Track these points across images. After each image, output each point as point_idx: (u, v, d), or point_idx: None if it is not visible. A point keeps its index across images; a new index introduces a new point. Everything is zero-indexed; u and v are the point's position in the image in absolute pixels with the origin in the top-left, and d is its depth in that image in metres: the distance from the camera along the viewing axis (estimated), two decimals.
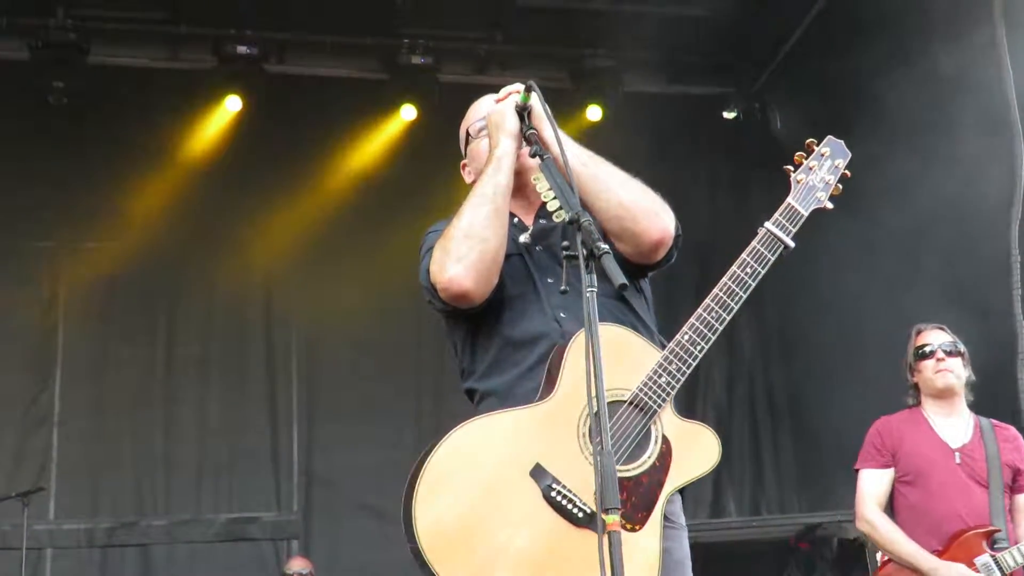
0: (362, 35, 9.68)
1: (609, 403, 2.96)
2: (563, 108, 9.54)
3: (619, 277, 2.69)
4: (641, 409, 2.99)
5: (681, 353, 3.04)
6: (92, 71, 9.20)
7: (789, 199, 3.28)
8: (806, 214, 3.26)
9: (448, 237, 3.13)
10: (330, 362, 9.57)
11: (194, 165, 9.60)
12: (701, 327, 3.09)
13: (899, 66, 7.85)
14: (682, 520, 3.20)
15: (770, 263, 3.19)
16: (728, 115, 10.47)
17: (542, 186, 3.05)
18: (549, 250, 3.31)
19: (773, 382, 10.47)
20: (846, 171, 3.37)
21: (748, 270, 3.17)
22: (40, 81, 9.08)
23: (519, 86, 3.22)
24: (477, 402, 3.27)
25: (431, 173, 9.04)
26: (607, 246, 2.72)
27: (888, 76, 8.01)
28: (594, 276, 2.69)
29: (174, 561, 9.16)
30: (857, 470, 5.46)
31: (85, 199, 9.46)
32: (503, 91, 3.29)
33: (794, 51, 9.77)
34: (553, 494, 2.91)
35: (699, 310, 3.11)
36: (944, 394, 5.34)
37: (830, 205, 3.33)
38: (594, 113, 9.87)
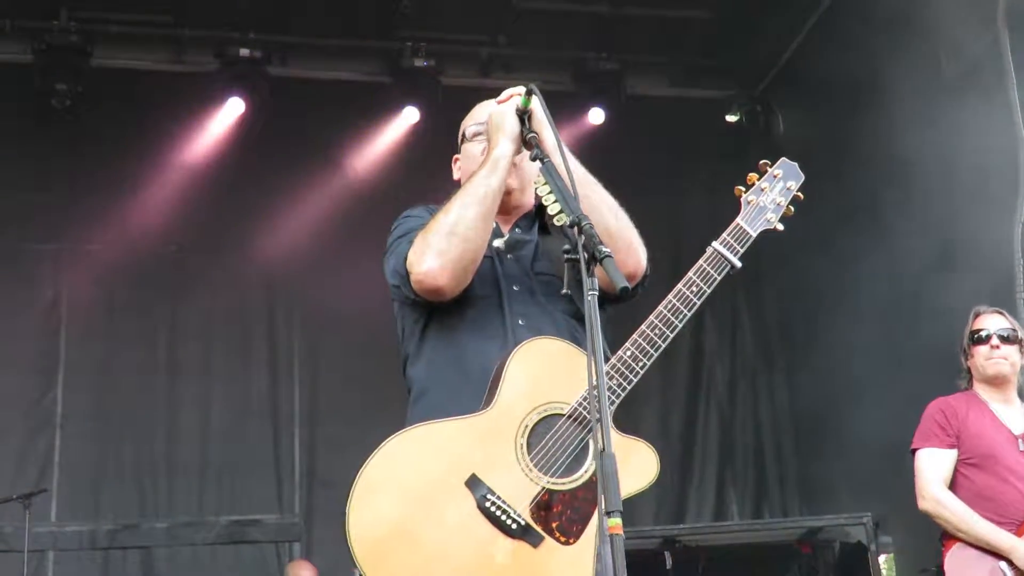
0: (365, 38, 9.69)
1: (547, 416, 3.03)
2: (566, 111, 9.55)
3: (620, 280, 2.69)
4: (579, 423, 2.99)
5: (622, 368, 3.05)
6: (95, 74, 9.21)
7: (738, 219, 3.29)
8: (754, 235, 3.27)
9: (432, 230, 3.11)
10: (332, 364, 9.58)
11: (196, 167, 9.60)
12: (643, 343, 3.09)
13: (902, 69, 7.85)
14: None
15: (716, 282, 3.20)
16: (731, 118, 10.47)
17: (543, 189, 3.05)
18: (519, 261, 3.34)
19: (775, 385, 10.46)
20: (799, 193, 3.39)
21: (693, 288, 3.17)
22: (43, 84, 9.07)
23: (521, 89, 3.21)
24: (415, 397, 3.26)
25: (433, 176, 8.99)
26: (608, 249, 2.71)
27: (891, 78, 8.00)
28: (595, 279, 2.67)
29: (176, 563, 9.15)
30: (915, 450, 5.28)
31: (88, 201, 9.47)
32: (504, 93, 3.28)
33: (797, 54, 9.77)
34: (487, 504, 2.91)
35: (643, 327, 3.11)
36: (995, 381, 5.25)
37: (780, 227, 3.34)
38: (596, 116, 9.86)
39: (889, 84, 8.06)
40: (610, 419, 3.00)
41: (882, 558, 6.91)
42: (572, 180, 2.95)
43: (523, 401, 3.04)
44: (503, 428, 3.00)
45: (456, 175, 3.57)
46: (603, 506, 2.49)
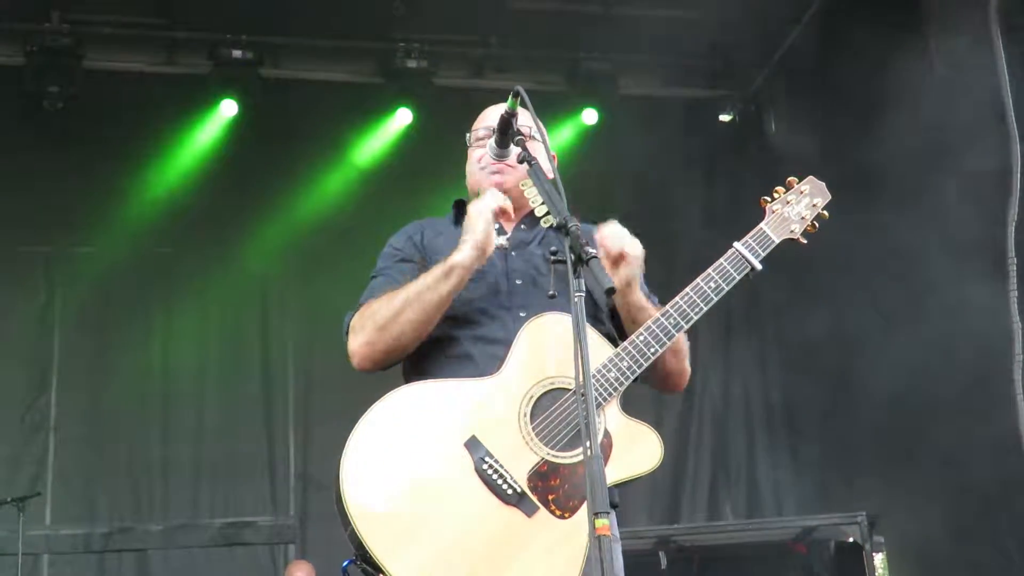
0: (358, 39, 9.67)
1: (553, 389, 3.08)
2: (559, 112, 9.56)
3: (606, 281, 2.72)
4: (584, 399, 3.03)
5: (634, 352, 3.09)
6: (87, 76, 9.20)
7: (762, 225, 3.35)
8: (777, 241, 3.32)
9: (370, 314, 3.23)
10: (325, 366, 9.54)
11: (189, 169, 9.59)
12: (657, 331, 3.14)
13: (896, 66, 7.85)
14: (617, 533, 3.22)
15: (735, 281, 3.26)
16: (724, 118, 10.47)
17: (530, 192, 3.08)
18: (525, 258, 3.40)
19: (769, 384, 10.46)
20: (824, 212, 3.44)
21: (711, 284, 3.22)
22: (35, 86, 9.07)
23: (499, 197, 3.26)
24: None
25: (426, 176, 9.06)
26: (594, 251, 2.75)
27: (885, 77, 8.01)
28: (582, 281, 2.71)
29: (171, 566, 9.12)
30: None
31: (80, 204, 9.45)
32: (487, 198, 3.26)
33: (791, 52, 9.78)
34: (484, 467, 2.94)
35: (658, 315, 3.16)
36: None
37: (804, 240, 3.40)
38: (590, 116, 9.86)
39: (883, 83, 8.06)
40: (617, 403, 3.04)
41: (878, 557, 6.90)
42: (559, 182, 2.98)
43: (529, 372, 3.08)
44: (506, 395, 3.05)
45: (469, 178, 3.61)
46: (591, 507, 2.51)
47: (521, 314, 3.22)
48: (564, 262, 2.81)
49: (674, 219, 9.89)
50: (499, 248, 3.34)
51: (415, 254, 3.45)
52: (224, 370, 9.65)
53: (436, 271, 3.18)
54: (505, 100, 3.20)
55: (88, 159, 9.36)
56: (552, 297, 3.16)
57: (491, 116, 3.51)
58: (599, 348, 3.10)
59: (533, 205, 3.08)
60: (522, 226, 3.48)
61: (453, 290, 3.18)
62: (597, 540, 2.47)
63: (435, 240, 3.47)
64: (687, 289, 3.19)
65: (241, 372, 9.68)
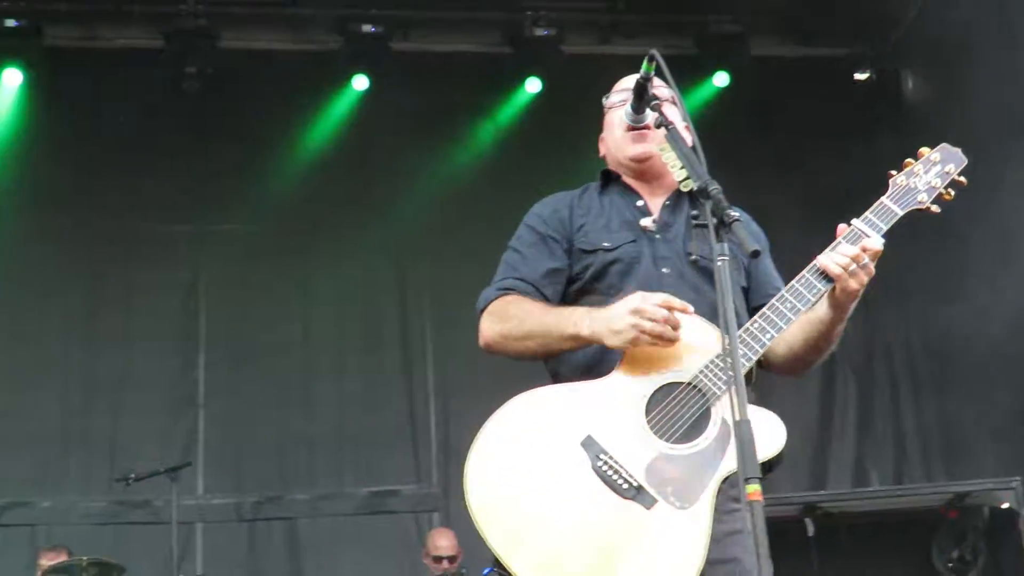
0: (486, 9, 9.68)
1: (666, 384, 3.05)
2: (689, 76, 9.45)
3: (751, 244, 2.70)
4: (698, 391, 3.00)
5: (748, 340, 3.04)
6: (222, 56, 9.37)
7: (883, 198, 3.23)
8: (901, 213, 3.20)
9: (502, 315, 3.27)
10: (464, 335, 9.59)
11: (324, 145, 9.72)
12: (773, 316, 3.07)
13: None
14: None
15: None
16: (860, 77, 10.22)
17: (668, 156, 3.05)
18: (670, 242, 3.32)
19: (914, 347, 10.22)
20: (960, 178, 3.29)
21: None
22: (173, 68, 9.27)
23: (660, 313, 3.04)
24: (551, 377, 3.33)
25: (554, 146, 9.07)
26: (737, 213, 2.71)
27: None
28: (725, 245, 2.69)
29: (318, 534, 9.31)
30: None
31: (220, 183, 9.66)
32: (652, 304, 3.03)
33: (927, 7, 9.50)
34: (600, 464, 2.95)
35: (773, 300, 3.10)
36: None
37: (935, 208, 3.25)
38: (721, 80, 9.74)
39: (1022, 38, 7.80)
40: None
41: None
42: (698, 145, 2.95)
43: (643, 367, 3.07)
44: (621, 392, 3.05)
45: (601, 151, 3.58)
46: (742, 473, 2.51)
47: None
48: (706, 226, 2.77)
49: (808, 183, 9.69)
50: (646, 231, 3.31)
51: (560, 231, 3.40)
52: (364, 343, 9.78)
53: (566, 327, 3.14)
54: (633, 66, 3.16)
55: (226, 138, 9.57)
56: (690, 257, 3.16)
57: (626, 82, 3.48)
58: (709, 335, 3.06)
59: (672, 169, 3.05)
60: (667, 203, 3.41)
61: (570, 348, 3.19)
62: (749, 505, 2.46)
63: (583, 219, 3.40)
64: (804, 272, 3.11)
65: (380, 344, 9.78)
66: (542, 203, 3.51)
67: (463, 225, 9.49)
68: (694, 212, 3.26)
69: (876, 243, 3.06)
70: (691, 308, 3.02)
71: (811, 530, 6.43)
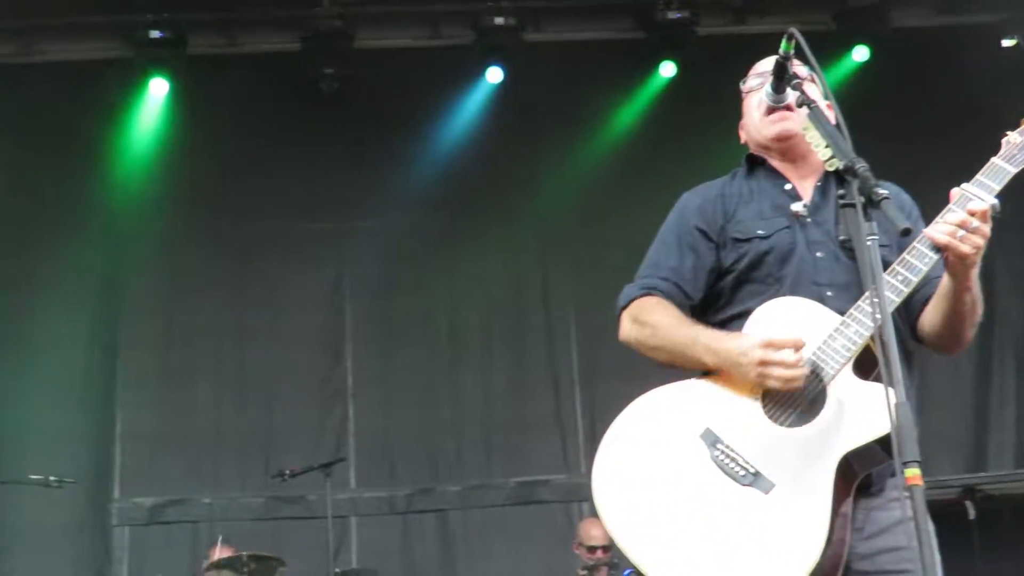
0: None
1: None
2: (827, 52, 9.25)
3: (901, 222, 2.67)
4: (814, 373, 2.97)
5: (860, 317, 2.96)
6: (359, 55, 9.49)
7: (995, 158, 3.12)
8: (1013, 171, 3.09)
9: (640, 318, 3.28)
10: (607, 323, 9.57)
11: (461, 138, 9.78)
12: (887, 292, 2.95)
13: None
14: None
15: None
16: (1007, 43, 9.87)
17: (812, 136, 3.01)
18: (822, 225, 3.25)
19: None
20: None
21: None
22: (311, 69, 9.42)
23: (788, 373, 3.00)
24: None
25: (692, 130, 8.98)
26: (886, 191, 2.67)
27: None
28: (875, 224, 2.66)
29: (469, 525, 9.42)
30: None
31: (361, 179, 9.82)
32: (782, 361, 2.99)
33: None
34: (718, 454, 2.98)
35: (885, 274, 2.97)
36: None
37: None
38: (860, 54, 9.51)
39: None
40: (850, 368, 2.94)
41: None
42: (842, 123, 2.90)
43: None
44: (737, 381, 3.06)
45: (742, 138, 3.53)
46: (899, 456, 2.49)
47: (828, 293, 3.12)
48: (853, 205, 2.71)
49: (958, 155, 9.40)
50: (798, 216, 3.26)
51: (709, 223, 3.35)
52: (508, 332, 9.83)
53: (693, 353, 3.13)
54: (769, 44, 3.12)
55: (365, 136, 9.71)
56: (840, 238, 3.12)
57: (762, 65, 3.43)
58: (826, 318, 3.02)
59: (816, 149, 3.00)
60: (818, 184, 3.33)
61: (695, 368, 3.18)
62: (909, 490, 2.42)
63: (735, 207, 3.36)
64: (914, 242, 3.01)
65: (525, 333, 9.82)
66: (690, 193, 3.48)
67: (604, 213, 9.49)
68: (841, 192, 3.19)
69: (980, 204, 2.96)
70: (803, 341, 2.98)
71: (972, 513, 6.26)
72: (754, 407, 3.01)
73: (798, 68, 3.18)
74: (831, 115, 3.07)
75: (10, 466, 8.50)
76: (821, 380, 2.96)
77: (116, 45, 9.47)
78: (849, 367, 2.96)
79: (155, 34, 9.14)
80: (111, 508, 9.33)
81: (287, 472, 8.19)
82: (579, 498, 9.22)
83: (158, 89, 9.44)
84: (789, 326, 3.02)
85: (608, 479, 3.06)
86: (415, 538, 9.42)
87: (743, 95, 3.49)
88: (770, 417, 2.99)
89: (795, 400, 2.98)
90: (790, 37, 3.03)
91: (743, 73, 3.54)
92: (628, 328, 3.31)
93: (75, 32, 9.49)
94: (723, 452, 2.97)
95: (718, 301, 3.31)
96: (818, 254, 3.20)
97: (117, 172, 9.69)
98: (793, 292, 3.15)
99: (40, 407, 9.28)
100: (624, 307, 3.35)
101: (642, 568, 2.94)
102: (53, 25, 9.36)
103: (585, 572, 7.76)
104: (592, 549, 7.89)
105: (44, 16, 9.21)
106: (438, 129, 9.83)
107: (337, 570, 8.06)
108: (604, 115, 9.87)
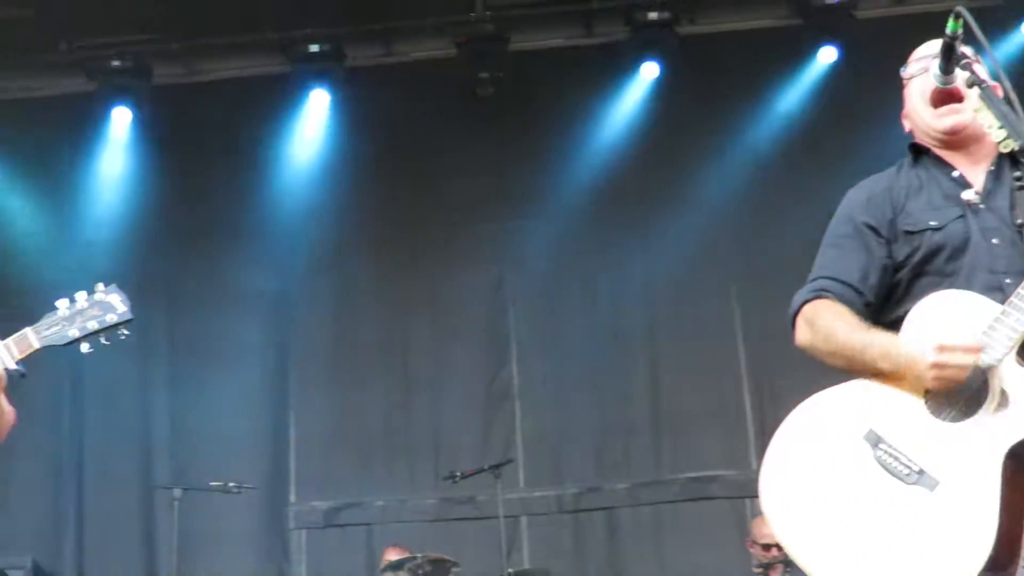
0: None
1: None
2: (995, 29, 8.94)
3: None
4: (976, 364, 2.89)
5: (1021, 304, 2.87)
6: (514, 58, 9.55)
7: None
8: None
9: (813, 324, 3.20)
10: (775, 314, 9.39)
11: (620, 135, 9.75)
12: None
13: None
14: None
15: None
16: None
17: (984, 117, 2.94)
18: (995, 211, 3.16)
19: None
20: None
21: None
22: (467, 74, 9.51)
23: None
24: None
25: (856, 115, 8.77)
26: None
27: None
28: None
29: (639, 523, 9.38)
30: None
31: (518, 180, 9.90)
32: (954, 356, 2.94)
33: None
34: (880, 454, 2.93)
35: None
36: None
37: None
38: None
39: None
40: (1014, 356, 2.85)
41: None
42: (1015, 102, 2.81)
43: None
44: (898, 380, 3.02)
45: (906, 127, 3.44)
46: None
47: (1007, 280, 3.03)
48: None
49: None
50: (970, 204, 3.17)
51: (878, 218, 3.28)
52: (674, 326, 9.73)
53: (867, 358, 3.08)
54: (932, 24, 3.07)
55: (522, 137, 9.80)
56: (1017, 222, 3.02)
57: (923, 50, 3.35)
58: (988, 309, 2.93)
59: (989, 130, 2.92)
60: (991, 167, 3.23)
61: (871, 370, 3.10)
62: None
63: (904, 199, 3.28)
64: None
65: (690, 327, 9.69)
66: (856, 189, 3.40)
67: (767, 203, 9.36)
68: (1017, 174, 3.08)
69: None
70: (978, 344, 2.89)
71: None
72: (918, 405, 2.97)
73: (964, 48, 3.09)
74: (1003, 95, 2.98)
75: (197, 473, 8.84)
76: (983, 372, 2.89)
77: (277, 61, 9.73)
78: (1012, 356, 2.89)
79: (314, 48, 9.36)
80: (288, 512, 9.58)
81: (458, 474, 8.33)
82: (749, 494, 9.06)
83: (319, 101, 9.66)
84: (948, 322, 2.96)
85: (774, 481, 3.06)
86: (585, 537, 9.42)
87: (904, 82, 3.41)
88: (933, 414, 2.95)
89: (957, 394, 2.92)
90: (957, 16, 2.95)
91: (905, 55, 3.45)
92: (803, 333, 3.25)
93: (237, 51, 9.79)
94: (886, 452, 2.94)
95: (895, 295, 3.24)
96: (993, 241, 3.11)
97: (283, 183, 9.95)
98: (969, 282, 3.07)
99: (223, 415, 9.59)
100: (797, 312, 3.30)
101: (807, 569, 2.94)
102: (217, 45, 9.67)
103: (760, 570, 7.66)
104: (767, 547, 7.77)
105: (208, 37, 9.52)
106: (595, 126, 9.81)
107: (510, 570, 8.10)
108: (763, 106, 9.68)
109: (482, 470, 8.29)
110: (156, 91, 9.67)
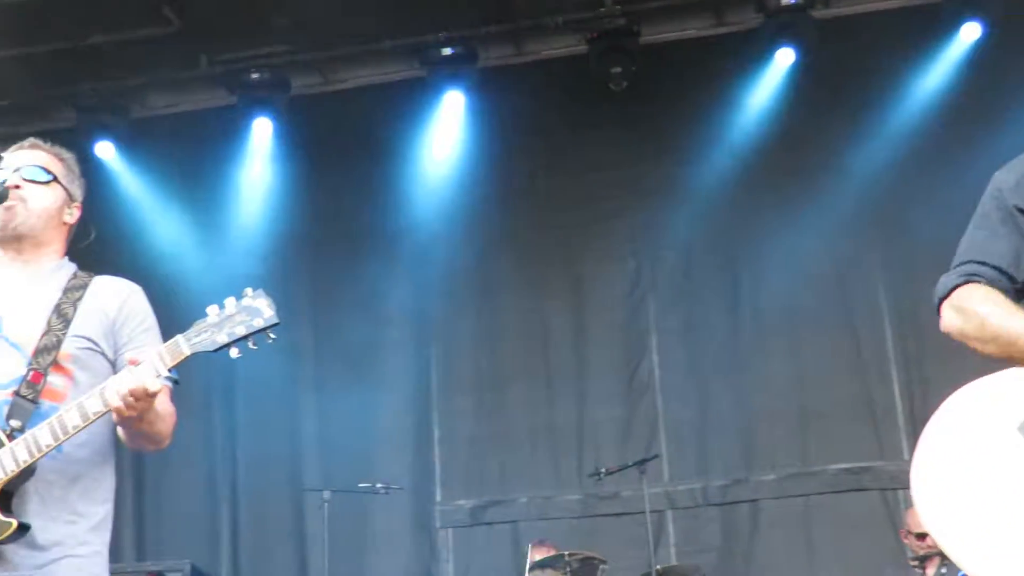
0: None
1: None
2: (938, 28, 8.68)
3: None
4: None
5: None
6: (645, 51, 9.50)
7: None
8: None
9: (962, 310, 3.06)
10: (922, 299, 9.12)
11: (754, 123, 9.62)
12: None
13: None
14: None
15: None
16: None
17: None
18: None
19: None
20: None
21: None
22: (599, 70, 9.49)
23: None
24: None
25: (1002, 93, 8.51)
26: None
27: None
28: None
29: (786, 514, 9.22)
30: None
31: (653, 173, 9.93)
32: None
33: None
34: None
35: None
36: None
37: None
38: None
39: None
40: None
41: None
42: None
43: None
44: None
45: None
46: None
47: None
48: None
49: None
50: None
51: None
52: (816, 315, 9.54)
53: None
54: None
55: (656, 130, 9.82)
56: None
57: None
58: None
59: None
60: None
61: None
62: None
63: None
64: None
65: (834, 315, 9.52)
66: (1003, 171, 3.25)
67: (911, 188, 9.14)
68: None
69: None
70: None
71: None
72: None
73: None
74: None
75: (344, 475, 9.00)
76: None
77: (411, 65, 9.85)
78: None
79: (447, 51, 9.45)
80: (434, 511, 9.69)
81: (603, 470, 8.32)
82: (901, 486, 8.86)
83: (454, 103, 9.75)
84: None
85: (925, 473, 2.97)
86: (732, 529, 9.31)
87: None
88: None
89: None
90: None
91: None
92: (951, 319, 3.11)
93: (371, 58, 9.94)
94: None
95: None
96: None
97: (421, 186, 10.08)
98: None
99: (368, 416, 9.76)
100: (944, 297, 3.15)
101: (959, 562, 2.86)
102: (352, 53, 9.83)
103: (916, 562, 7.50)
104: (922, 536, 7.61)
105: (342, 46, 9.68)
106: (730, 115, 9.69)
107: (658, 567, 8.05)
108: (907, 84, 9.43)
109: (627, 466, 8.28)
110: (294, 101, 9.87)
